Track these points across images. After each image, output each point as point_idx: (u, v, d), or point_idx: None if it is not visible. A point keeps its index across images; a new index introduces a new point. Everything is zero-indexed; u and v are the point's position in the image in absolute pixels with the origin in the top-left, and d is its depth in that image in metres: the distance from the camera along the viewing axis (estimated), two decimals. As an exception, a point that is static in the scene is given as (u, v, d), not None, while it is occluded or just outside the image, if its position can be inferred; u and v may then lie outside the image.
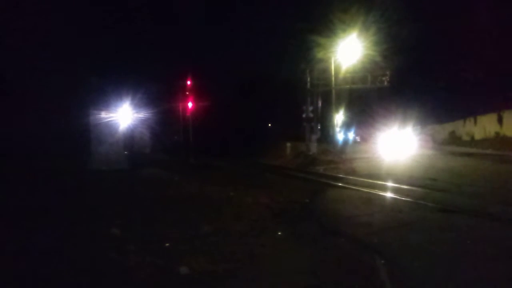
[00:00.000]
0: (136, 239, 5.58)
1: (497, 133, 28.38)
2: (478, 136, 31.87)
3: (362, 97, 30.80)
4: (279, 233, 6.36)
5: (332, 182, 12.14)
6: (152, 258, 4.86)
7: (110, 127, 15.41)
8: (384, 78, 25.28)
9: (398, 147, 25.31)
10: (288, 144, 27.55)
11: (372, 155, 22.93)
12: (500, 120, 28.49)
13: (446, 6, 31.94)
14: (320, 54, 23.39)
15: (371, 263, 4.78)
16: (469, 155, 19.82)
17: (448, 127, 41.04)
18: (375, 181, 11.16)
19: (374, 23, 22.51)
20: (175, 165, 19.02)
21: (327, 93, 26.20)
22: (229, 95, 45.03)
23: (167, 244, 5.49)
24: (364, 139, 43.08)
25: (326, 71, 24.89)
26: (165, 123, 27.40)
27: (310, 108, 25.00)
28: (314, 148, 23.98)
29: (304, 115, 25.08)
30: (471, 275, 4.20)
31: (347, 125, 32.68)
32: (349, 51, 23.20)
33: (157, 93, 25.90)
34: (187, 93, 25.05)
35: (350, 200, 9.11)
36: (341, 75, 24.96)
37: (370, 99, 32.43)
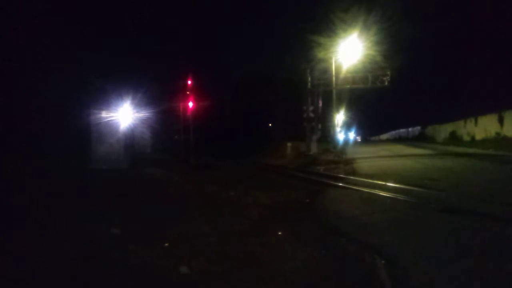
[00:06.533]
0: (136, 239, 5.59)
1: (497, 134, 28.38)
2: (479, 136, 31.87)
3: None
4: (279, 233, 6.35)
5: (333, 182, 12.13)
6: (152, 258, 4.86)
7: (110, 127, 15.42)
8: (384, 78, 25.29)
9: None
10: (289, 144, 27.55)
11: (372, 154, 22.90)
12: (500, 121, 28.47)
13: (446, 6, 31.99)
14: (321, 54, 23.43)
15: (371, 263, 4.77)
16: (469, 155, 19.78)
17: (449, 127, 41.10)
18: (376, 181, 11.14)
19: (375, 23, 22.55)
20: (176, 165, 19.03)
21: (327, 93, 26.24)
22: (229, 95, 45.10)
23: (167, 244, 5.49)
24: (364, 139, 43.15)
25: (327, 71, 24.92)
26: (166, 123, 27.43)
27: (311, 108, 25.00)
28: (314, 148, 23.98)
29: (304, 115, 25.08)
30: (471, 275, 4.19)
31: (347, 125, 32.75)
32: (350, 51, 23.23)
33: (158, 92, 25.97)
34: (188, 92, 25.03)
35: (350, 200, 9.09)
36: (342, 75, 25.00)
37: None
